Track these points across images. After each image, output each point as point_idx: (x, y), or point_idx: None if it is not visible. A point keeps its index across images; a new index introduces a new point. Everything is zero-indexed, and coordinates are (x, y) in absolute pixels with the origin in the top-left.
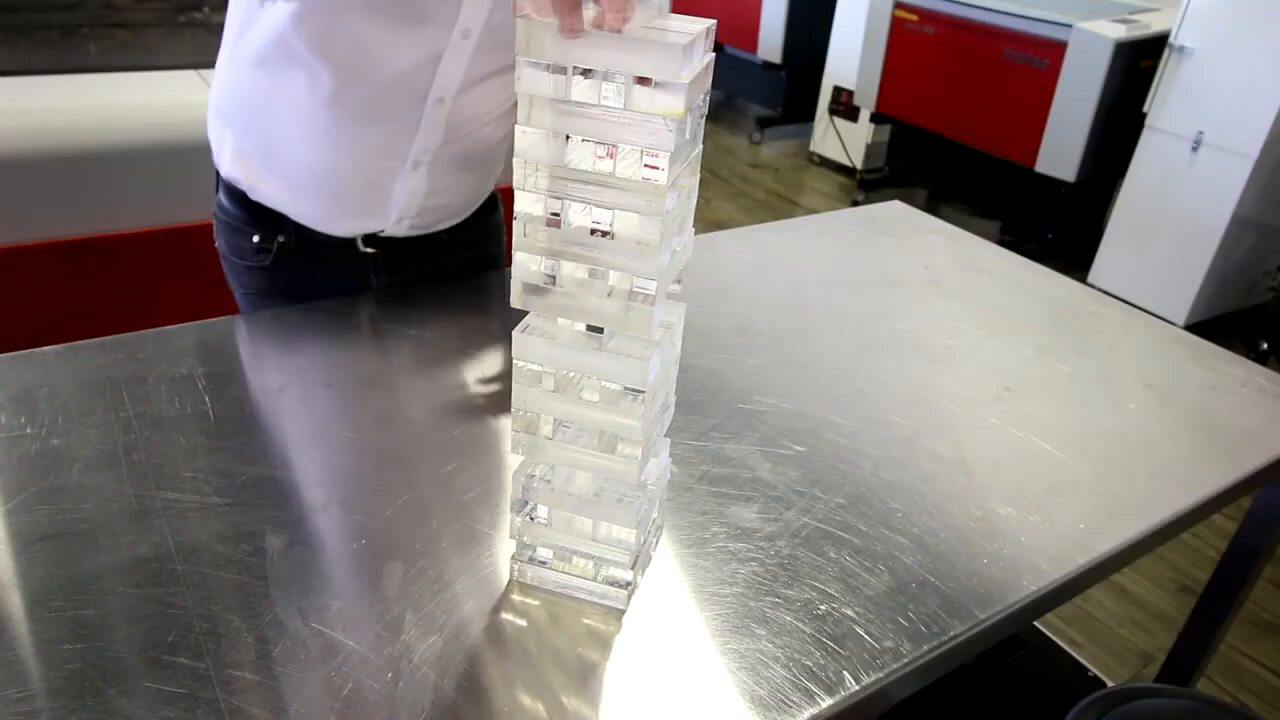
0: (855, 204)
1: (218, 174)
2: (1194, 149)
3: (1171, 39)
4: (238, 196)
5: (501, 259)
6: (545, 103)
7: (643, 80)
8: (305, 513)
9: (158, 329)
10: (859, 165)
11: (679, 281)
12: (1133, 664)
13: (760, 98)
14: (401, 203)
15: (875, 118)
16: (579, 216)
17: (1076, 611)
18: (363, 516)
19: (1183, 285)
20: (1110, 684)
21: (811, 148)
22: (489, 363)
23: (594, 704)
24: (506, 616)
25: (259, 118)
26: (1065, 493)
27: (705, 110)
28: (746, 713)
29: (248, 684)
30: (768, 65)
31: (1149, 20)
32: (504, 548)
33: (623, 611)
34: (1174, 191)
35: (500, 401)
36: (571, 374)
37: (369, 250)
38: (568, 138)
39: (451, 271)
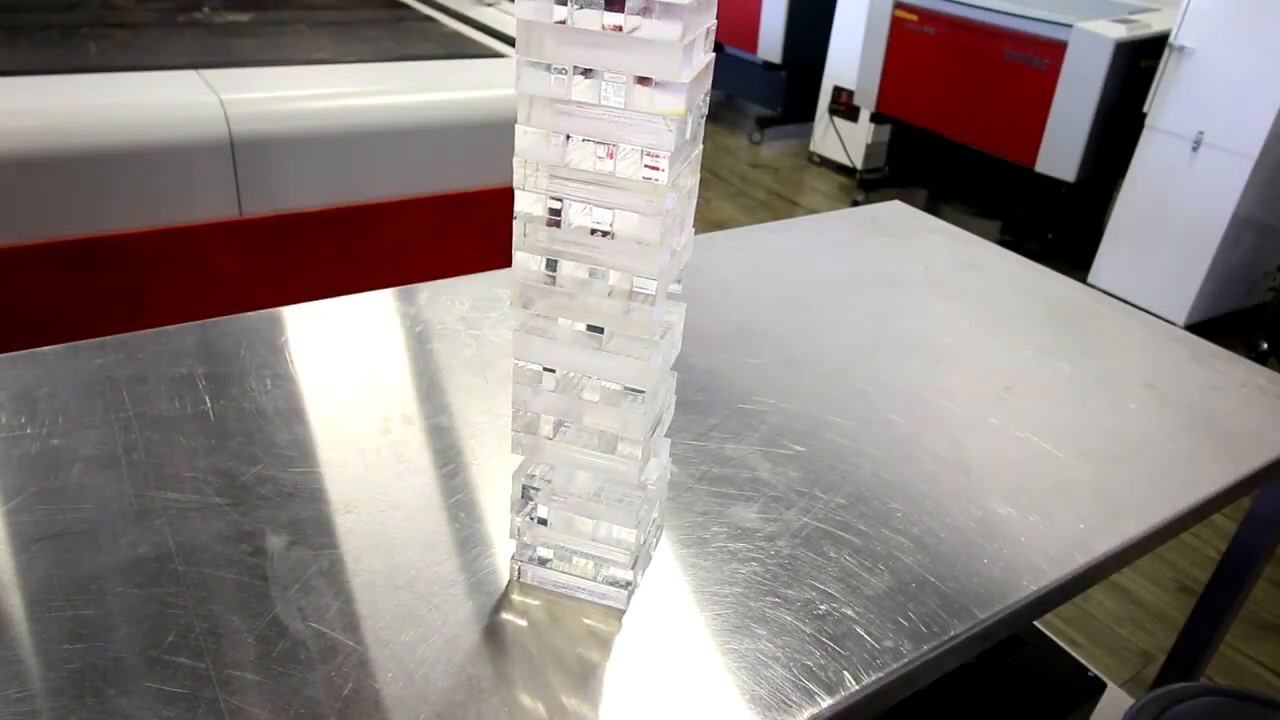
0: (855, 204)
1: None
2: (1194, 149)
3: (1171, 39)
4: None
5: None
6: (545, 102)
7: (643, 80)
8: (305, 513)
9: (158, 329)
10: (859, 165)
11: (679, 281)
12: (1133, 664)
13: (760, 98)
14: None
15: (875, 118)
16: (579, 216)
17: (1076, 611)
18: (362, 516)
19: (1183, 285)
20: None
21: (811, 148)
22: (489, 362)
23: (594, 704)
24: (506, 616)
25: None
26: (1065, 493)
27: (705, 110)
28: (746, 713)
29: (248, 684)
30: (768, 65)
31: (1149, 20)
32: (504, 548)
33: (623, 611)
34: (1174, 191)
35: (501, 400)
36: (572, 374)
37: None
38: (568, 137)
39: None
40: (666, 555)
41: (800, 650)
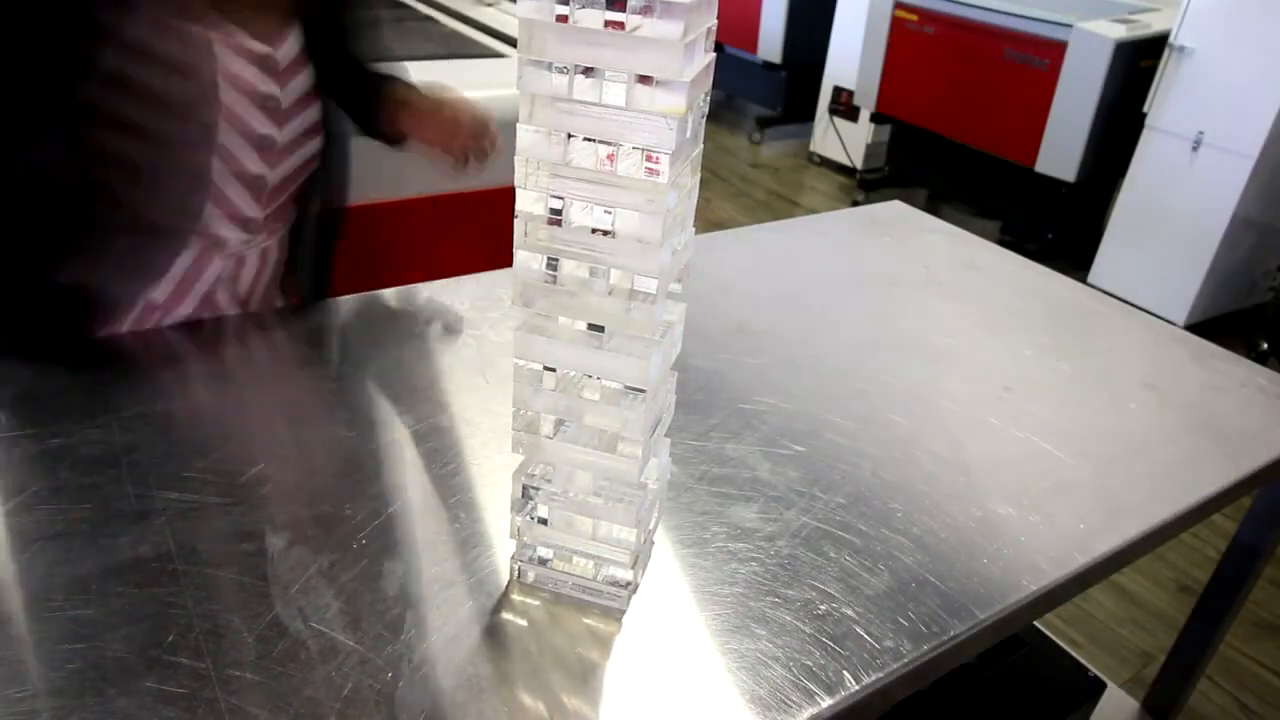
0: (855, 204)
1: None
2: (1194, 149)
3: (1171, 39)
4: None
5: None
6: (546, 101)
7: (644, 79)
8: (305, 513)
9: (156, 327)
10: (859, 165)
11: (679, 281)
12: (1133, 664)
13: (760, 98)
14: None
15: (875, 118)
16: (580, 215)
17: (1076, 611)
18: (363, 516)
19: (1183, 285)
20: (1110, 683)
21: (811, 148)
22: (489, 362)
23: (594, 704)
24: (506, 616)
25: None
26: (1065, 493)
27: (706, 109)
28: (746, 713)
29: (248, 684)
30: (768, 65)
31: (1149, 20)
32: (504, 548)
33: (623, 611)
34: (1174, 191)
35: (501, 400)
36: (572, 373)
37: None
38: (569, 136)
39: None
40: (666, 555)
41: (800, 650)
